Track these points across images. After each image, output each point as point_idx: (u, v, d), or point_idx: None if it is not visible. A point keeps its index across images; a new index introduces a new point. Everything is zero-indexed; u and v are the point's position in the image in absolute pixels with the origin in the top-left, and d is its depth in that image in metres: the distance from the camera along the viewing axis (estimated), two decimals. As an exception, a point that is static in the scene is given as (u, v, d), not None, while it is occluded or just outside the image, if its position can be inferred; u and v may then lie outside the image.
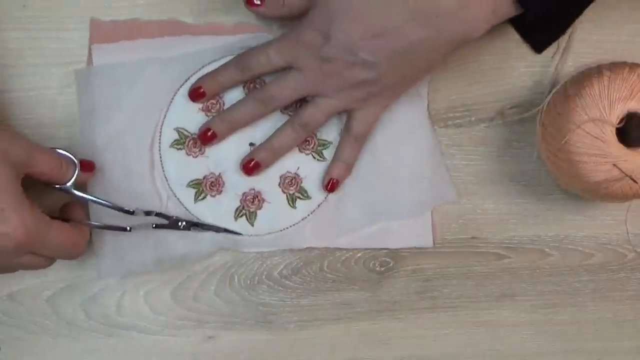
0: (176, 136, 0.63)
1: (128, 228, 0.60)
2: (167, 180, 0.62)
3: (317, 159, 0.64)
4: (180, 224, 0.62)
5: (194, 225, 0.62)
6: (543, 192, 0.65)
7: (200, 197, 0.63)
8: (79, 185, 0.58)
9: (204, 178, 0.63)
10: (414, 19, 0.55)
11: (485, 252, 0.65)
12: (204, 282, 0.64)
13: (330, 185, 0.63)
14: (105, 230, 0.61)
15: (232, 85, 0.61)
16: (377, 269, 0.65)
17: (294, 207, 0.64)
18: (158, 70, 0.62)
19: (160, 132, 0.62)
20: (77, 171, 0.57)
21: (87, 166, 0.59)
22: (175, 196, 0.63)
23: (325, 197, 0.64)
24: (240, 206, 0.63)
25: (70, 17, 0.62)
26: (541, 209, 0.65)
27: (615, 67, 0.58)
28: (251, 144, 0.63)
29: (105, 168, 0.62)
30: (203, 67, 0.62)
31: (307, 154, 0.64)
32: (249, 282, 0.64)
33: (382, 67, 0.57)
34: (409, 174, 0.64)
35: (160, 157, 0.62)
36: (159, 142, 0.62)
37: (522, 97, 0.64)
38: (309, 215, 0.64)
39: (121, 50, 0.62)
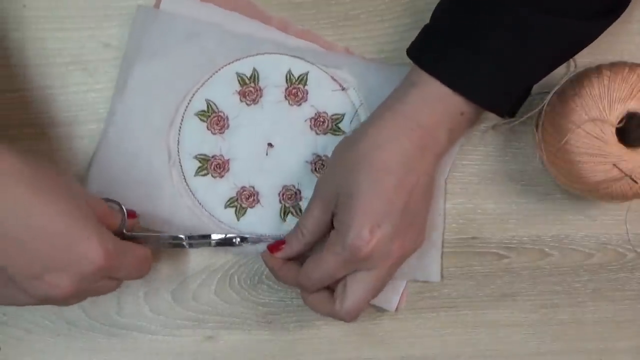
0: (204, 107, 0.63)
1: (187, 245, 0.61)
2: (178, 144, 0.63)
3: None
4: (235, 240, 0.62)
5: (244, 239, 0.63)
6: (543, 192, 0.65)
7: (200, 172, 0.63)
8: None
9: (212, 157, 0.63)
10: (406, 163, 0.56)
11: (485, 252, 0.65)
12: (204, 282, 0.64)
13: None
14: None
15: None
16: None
17: (283, 220, 0.63)
18: (215, 39, 0.63)
19: (192, 98, 0.63)
20: (125, 218, 0.58)
21: (132, 215, 0.60)
22: (180, 162, 0.63)
23: None
24: (234, 197, 0.63)
25: (70, 17, 0.63)
26: (541, 209, 0.65)
27: (615, 67, 0.58)
28: (269, 145, 0.63)
29: (127, 109, 0.62)
30: (258, 54, 0.63)
31: (317, 175, 0.63)
32: (249, 282, 0.64)
33: (424, 210, 0.59)
34: None
35: (182, 121, 0.63)
36: (187, 106, 0.63)
37: (522, 97, 0.64)
38: None
39: (190, 6, 0.62)
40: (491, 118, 0.64)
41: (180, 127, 0.63)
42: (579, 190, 0.60)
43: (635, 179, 0.57)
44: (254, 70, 0.63)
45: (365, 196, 0.55)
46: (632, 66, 0.58)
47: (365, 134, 0.58)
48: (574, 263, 0.66)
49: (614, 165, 0.56)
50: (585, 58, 0.64)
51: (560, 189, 0.64)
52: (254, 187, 0.63)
